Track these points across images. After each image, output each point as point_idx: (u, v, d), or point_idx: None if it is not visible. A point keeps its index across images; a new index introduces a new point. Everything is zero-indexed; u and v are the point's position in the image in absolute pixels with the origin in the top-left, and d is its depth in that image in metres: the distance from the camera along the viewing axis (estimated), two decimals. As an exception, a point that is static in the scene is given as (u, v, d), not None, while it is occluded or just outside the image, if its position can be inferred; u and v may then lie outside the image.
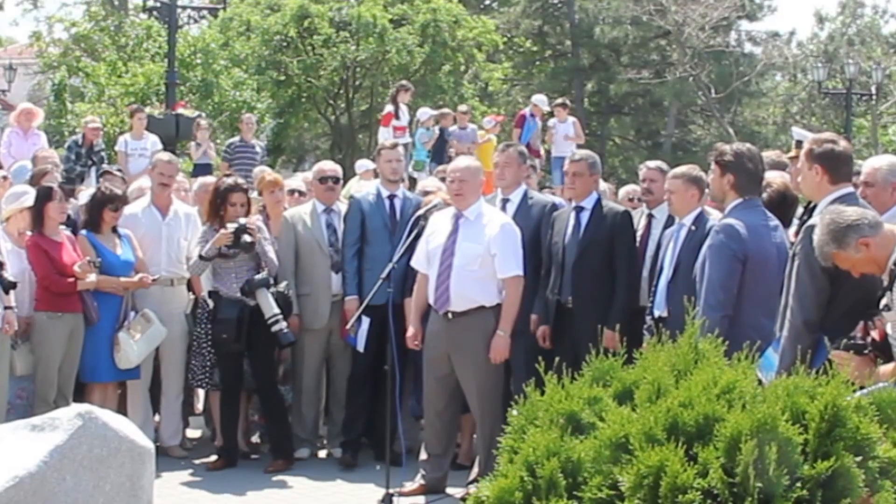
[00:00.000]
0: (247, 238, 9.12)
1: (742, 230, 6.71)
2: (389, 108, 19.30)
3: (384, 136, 18.97)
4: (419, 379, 9.06)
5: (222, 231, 9.16)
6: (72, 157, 15.83)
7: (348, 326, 9.16)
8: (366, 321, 9.12)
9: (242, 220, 9.20)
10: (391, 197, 9.75)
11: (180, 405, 10.06)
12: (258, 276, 9.23)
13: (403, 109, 19.14)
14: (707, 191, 7.85)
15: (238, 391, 9.56)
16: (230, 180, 9.59)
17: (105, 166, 14.46)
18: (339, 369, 9.97)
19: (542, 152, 19.83)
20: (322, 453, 10.00)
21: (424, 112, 19.95)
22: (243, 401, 9.85)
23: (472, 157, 9.82)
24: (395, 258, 8.59)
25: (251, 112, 24.68)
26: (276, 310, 9.14)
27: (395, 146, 10.26)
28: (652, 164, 9.37)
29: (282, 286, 9.36)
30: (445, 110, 20.63)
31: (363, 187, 11.04)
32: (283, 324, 9.16)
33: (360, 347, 9.27)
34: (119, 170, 12.92)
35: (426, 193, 9.85)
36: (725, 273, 6.71)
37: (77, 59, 32.00)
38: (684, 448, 3.73)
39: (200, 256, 9.28)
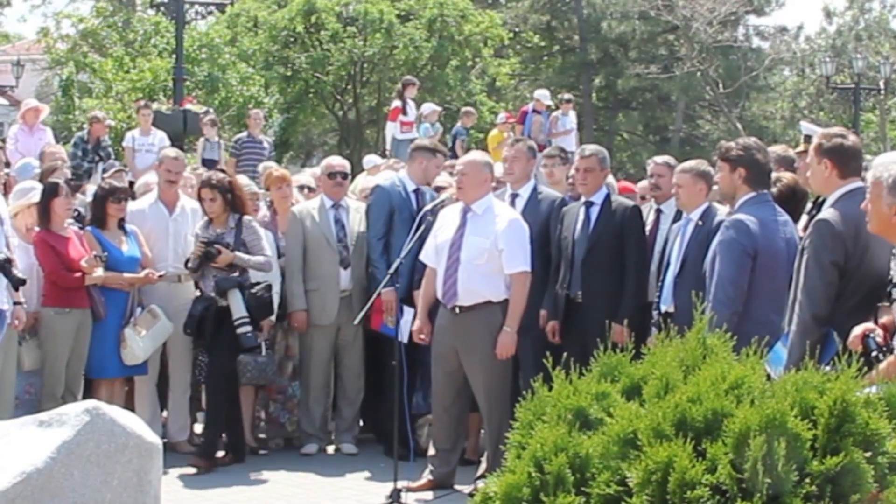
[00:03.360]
0: (210, 250, 9.09)
1: (753, 226, 6.69)
2: (397, 103, 19.31)
3: (392, 130, 19.01)
4: (422, 375, 9.07)
5: (197, 246, 9.19)
6: (78, 153, 15.86)
7: (387, 321, 9.12)
8: (409, 311, 9.03)
9: (213, 233, 9.18)
10: (417, 191, 9.70)
11: (188, 401, 10.06)
12: (228, 277, 9.13)
13: (411, 104, 19.15)
14: (715, 188, 7.82)
15: (236, 388, 9.53)
16: (204, 175, 9.55)
17: (111, 162, 14.48)
18: (347, 365, 9.97)
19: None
20: (330, 449, 10.00)
21: (428, 107, 19.97)
22: (250, 396, 9.85)
23: (481, 151, 9.80)
24: (403, 253, 8.60)
25: (258, 107, 24.68)
26: (244, 312, 9.02)
27: None
28: (659, 159, 9.37)
29: (258, 288, 9.20)
30: (467, 109, 20.76)
31: (370, 183, 10.99)
32: (248, 327, 9.02)
33: (404, 338, 9.12)
34: (125, 165, 12.93)
35: (438, 189, 9.81)
36: (735, 269, 6.70)
37: (85, 54, 32.07)
38: (692, 444, 3.71)
39: (188, 267, 9.33)
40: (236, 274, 9.21)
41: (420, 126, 19.53)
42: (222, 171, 9.91)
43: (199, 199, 9.36)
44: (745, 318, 6.49)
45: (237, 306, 9.06)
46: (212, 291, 9.18)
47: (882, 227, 5.42)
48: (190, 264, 9.25)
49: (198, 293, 9.85)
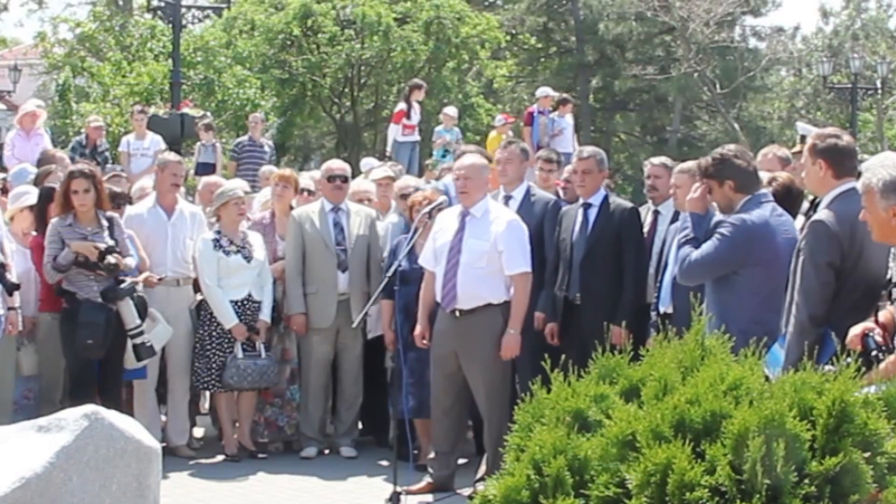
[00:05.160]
0: (111, 260, 8.72)
1: (753, 227, 6.66)
2: (402, 105, 19.29)
3: (393, 133, 19.00)
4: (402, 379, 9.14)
5: (84, 245, 8.71)
6: (76, 157, 15.83)
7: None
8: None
9: (110, 242, 8.80)
10: None
11: (187, 405, 10.05)
12: (124, 286, 8.84)
13: (416, 108, 19.12)
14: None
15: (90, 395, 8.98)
16: (76, 166, 9.18)
17: (110, 167, 14.47)
18: (346, 368, 9.96)
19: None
20: (329, 452, 9.99)
21: (451, 110, 19.99)
22: (252, 399, 9.84)
23: (478, 154, 9.77)
24: (401, 256, 8.60)
25: (256, 110, 24.67)
26: (139, 321, 8.88)
27: None
28: (656, 160, 9.37)
29: (140, 289, 9.04)
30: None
31: (363, 186, 10.99)
32: (146, 336, 8.93)
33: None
34: (122, 169, 12.91)
35: (403, 196, 9.86)
36: (715, 257, 6.69)
37: (82, 59, 32.07)
38: (691, 445, 3.72)
39: (55, 267, 8.73)
40: (126, 283, 8.88)
41: (435, 129, 19.58)
42: (87, 163, 9.60)
43: (70, 191, 8.78)
44: (743, 317, 6.47)
45: (132, 315, 8.86)
46: (96, 296, 8.77)
47: (884, 232, 5.41)
48: (61, 261, 8.66)
49: (198, 297, 9.85)
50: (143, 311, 9.00)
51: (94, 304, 8.78)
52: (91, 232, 8.84)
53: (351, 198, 10.32)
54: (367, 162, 15.79)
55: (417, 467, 8.88)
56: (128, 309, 8.85)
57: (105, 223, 8.92)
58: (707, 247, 6.74)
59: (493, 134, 20.27)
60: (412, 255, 8.83)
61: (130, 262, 9.02)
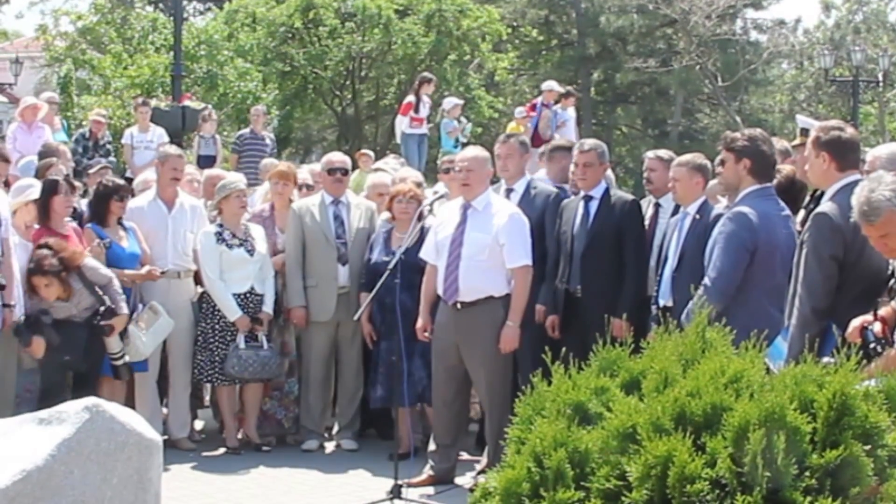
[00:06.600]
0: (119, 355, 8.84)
1: (754, 219, 6.68)
2: (411, 98, 19.29)
3: (401, 125, 19.02)
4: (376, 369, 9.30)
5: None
6: (79, 150, 15.85)
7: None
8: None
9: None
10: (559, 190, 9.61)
11: (188, 398, 10.05)
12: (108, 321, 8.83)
13: (425, 101, 19.11)
14: (717, 181, 7.80)
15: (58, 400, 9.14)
16: (35, 261, 8.70)
17: (97, 159, 14.43)
18: (347, 361, 9.97)
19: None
20: (330, 445, 9.99)
21: (450, 102, 19.95)
22: (258, 392, 9.84)
23: (480, 146, 9.78)
24: (402, 249, 8.61)
25: (257, 103, 24.66)
26: (122, 344, 8.95)
27: None
28: (652, 153, 9.37)
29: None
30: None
31: (380, 179, 10.98)
32: (126, 358, 9.02)
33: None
34: (111, 162, 12.87)
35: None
36: (731, 264, 6.70)
37: (83, 51, 32.03)
38: (692, 438, 3.72)
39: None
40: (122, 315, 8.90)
41: (442, 121, 19.56)
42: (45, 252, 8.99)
43: (32, 286, 8.60)
44: (743, 311, 6.48)
45: (116, 340, 8.93)
46: (79, 317, 8.76)
47: None
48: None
49: (199, 290, 9.86)
50: (123, 334, 9.01)
51: (77, 324, 8.75)
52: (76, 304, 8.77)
53: (371, 191, 10.34)
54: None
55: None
56: (114, 337, 8.92)
57: (79, 287, 8.76)
58: (716, 259, 6.74)
59: (512, 125, 20.25)
60: (388, 246, 9.03)
61: (118, 291, 8.95)
